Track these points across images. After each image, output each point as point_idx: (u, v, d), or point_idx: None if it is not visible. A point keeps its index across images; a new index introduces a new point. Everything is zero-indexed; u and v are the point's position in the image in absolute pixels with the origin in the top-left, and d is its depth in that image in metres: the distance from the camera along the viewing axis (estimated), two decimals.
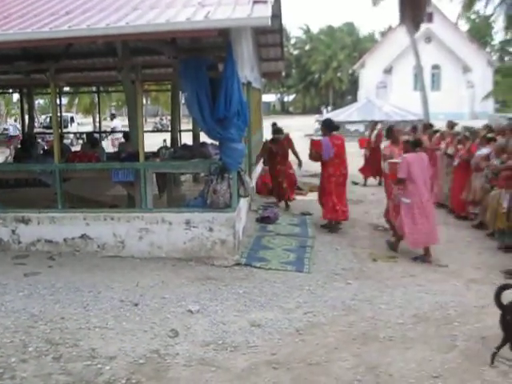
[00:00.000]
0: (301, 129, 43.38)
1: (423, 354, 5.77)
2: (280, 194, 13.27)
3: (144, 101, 49.35)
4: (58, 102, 15.09)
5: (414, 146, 9.73)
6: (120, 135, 24.65)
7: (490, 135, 12.22)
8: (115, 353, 5.78)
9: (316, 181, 14.30)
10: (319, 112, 61.81)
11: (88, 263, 8.78)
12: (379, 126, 18.50)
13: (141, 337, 6.18)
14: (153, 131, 28.64)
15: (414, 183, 9.38)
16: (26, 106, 17.97)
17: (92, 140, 15.11)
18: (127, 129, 12.50)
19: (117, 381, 5.23)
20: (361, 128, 34.24)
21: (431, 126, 16.36)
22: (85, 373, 5.38)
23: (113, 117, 31.40)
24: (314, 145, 11.34)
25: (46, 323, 6.51)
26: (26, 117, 17.75)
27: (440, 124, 18.37)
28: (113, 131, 25.97)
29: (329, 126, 11.40)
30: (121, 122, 29.55)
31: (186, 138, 14.92)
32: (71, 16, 8.87)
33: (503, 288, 5.81)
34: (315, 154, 11.22)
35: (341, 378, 5.29)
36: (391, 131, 11.28)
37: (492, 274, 8.69)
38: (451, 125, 15.81)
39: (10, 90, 21.87)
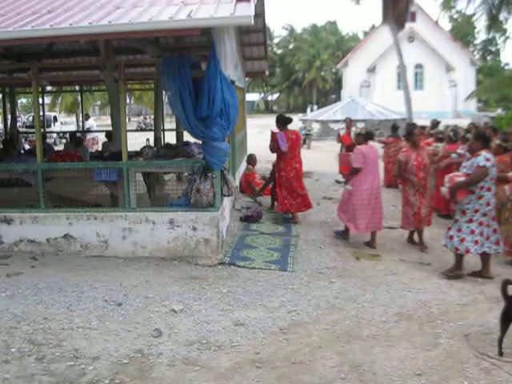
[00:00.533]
0: None
1: (406, 352, 5.81)
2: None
3: (128, 100, 49.21)
4: (40, 101, 15.02)
5: (366, 138, 10.39)
6: (96, 135, 24.46)
7: (468, 135, 12.32)
8: (99, 353, 5.76)
9: None
10: (305, 111, 61.84)
11: (71, 263, 8.74)
12: (363, 126, 18.44)
13: (124, 337, 6.16)
14: (136, 130, 28.52)
15: (367, 172, 10.04)
16: (8, 106, 17.83)
17: (75, 139, 15.04)
18: (101, 128, 12.42)
19: (100, 381, 5.21)
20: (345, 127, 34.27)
21: (414, 125, 16.45)
22: (68, 373, 5.35)
23: (87, 117, 30.80)
24: (274, 137, 11.64)
25: (28, 324, 6.46)
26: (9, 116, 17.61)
27: (423, 123, 18.46)
28: (88, 131, 25.34)
29: (283, 121, 11.68)
30: (95, 122, 29.11)
31: (170, 138, 14.90)
32: (53, 14, 8.82)
33: (508, 282, 5.94)
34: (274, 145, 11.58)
35: (325, 377, 5.31)
36: (412, 134, 10.54)
37: None
38: (434, 123, 15.96)
39: None
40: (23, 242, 9.25)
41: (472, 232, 8.25)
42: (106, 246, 9.09)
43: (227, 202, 10.33)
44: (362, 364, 5.55)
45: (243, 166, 15.17)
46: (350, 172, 10.46)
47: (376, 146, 10.81)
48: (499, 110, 36.95)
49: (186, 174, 11.78)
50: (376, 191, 10.13)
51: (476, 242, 8.25)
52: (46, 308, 6.94)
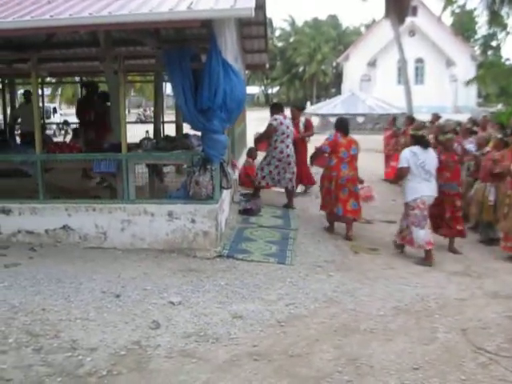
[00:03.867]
0: None
1: (404, 346, 5.81)
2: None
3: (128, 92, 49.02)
4: (40, 92, 14.97)
5: None
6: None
7: (475, 128, 12.38)
8: (96, 344, 5.75)
9: None
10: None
11: (69, 254, 8.73)
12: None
13: (122, 328, 6.15)
14: (136, 122, 28.39)
15: None
16: (8, 96, 17.78)
17: (74, 130, 15.04)
18: None
19: (98, 372, 5.21)
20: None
21: (413, 119, 16.42)
22: (65, 364, 5.34)
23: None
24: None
25: (26, 314, 6.45)
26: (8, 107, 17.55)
27: (423, 117, 18.42)
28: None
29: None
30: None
31: (170, 130, 14.86)
32: (53, 5, 8.79)
33: None
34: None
35: (322, 370, 5.31)
36: None
37: (473, 267, 8.77)
38: (436, 118, 15.94)
39: None
40: (21, 233, 9.23)
41: (270, 172, 11.59)
42: (105, 238, 9.08)
43: (226, 194, 10.32)
44: (359, 357, 5.55)
45: (243, 158, 15.13)
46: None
47: None
48: (499, 106, 36.87)
49: (185, 166, 11.79)
50: None
51: (273, 179, 11.62)
52: (44, 299, 6.93)
